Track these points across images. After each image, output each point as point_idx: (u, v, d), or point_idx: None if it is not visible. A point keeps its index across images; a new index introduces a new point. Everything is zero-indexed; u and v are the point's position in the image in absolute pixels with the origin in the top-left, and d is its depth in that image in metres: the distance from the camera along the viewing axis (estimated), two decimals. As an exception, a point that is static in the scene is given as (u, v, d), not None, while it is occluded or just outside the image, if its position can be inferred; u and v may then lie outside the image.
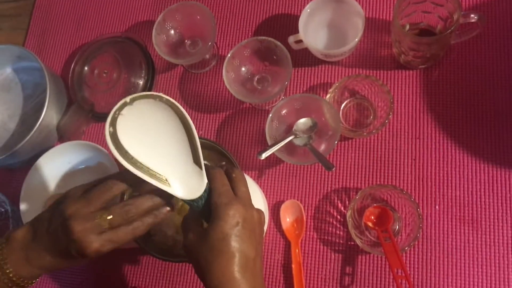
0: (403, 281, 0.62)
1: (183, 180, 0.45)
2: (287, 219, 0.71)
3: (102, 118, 0.83)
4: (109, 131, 0.42)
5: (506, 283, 0.62)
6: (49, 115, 0.79)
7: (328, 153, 0.68)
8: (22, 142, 0.75)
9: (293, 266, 0.68)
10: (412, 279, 0.64)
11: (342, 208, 0.70)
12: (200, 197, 0.46)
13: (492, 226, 0.64)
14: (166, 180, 0.44)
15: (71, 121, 0.81)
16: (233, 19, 0.84)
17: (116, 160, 0.45)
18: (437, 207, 0.67)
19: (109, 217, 0.45)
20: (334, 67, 0.76)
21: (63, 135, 0.83)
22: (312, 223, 0.70)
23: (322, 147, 0.70)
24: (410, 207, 0.64)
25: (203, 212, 0.47)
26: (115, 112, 0.42)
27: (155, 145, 0.45)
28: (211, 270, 0.43)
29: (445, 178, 0.67)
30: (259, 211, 0.48)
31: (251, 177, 0.73)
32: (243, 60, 0.74)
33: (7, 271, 0.46)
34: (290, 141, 0.69)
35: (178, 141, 0.45)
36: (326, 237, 0.69)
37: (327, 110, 0.69)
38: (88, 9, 0.92)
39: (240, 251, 0.44)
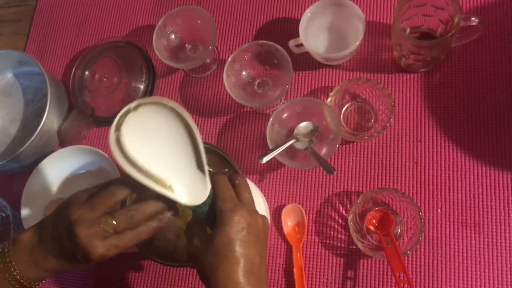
0: (406, 285, 0.62)
1: (187, 186, 0.45)
2: (288, 223, 0.71)
3: (103, 122, 0.83)
4: (114, 137, 0.42)
5: (510, 287, 0.62)
6: (50, 120, 0.79)
7: (329, 156, 0.68)
8: (23, 147, 0.75)
9: (294, 270, 0.68)
10: (414, 283, 0.64)
11: (344, 212, 0.70)
12: (204, 203, 0.46)
13: (494, 230, 0.64)
14: (170, 186, 0.44)
15: (72, 126, 0.81)
16: (233, 23, 0.84)
17: (119, 166, 0.45)
18: (439, 210, 0.66)
19: (113, 222, 0.45)
20: (335, 70, 0.76)
21: (64, 140, 0.83)
22: (313, 227, 0.70)
23: (323, 151, 0.70)
24: (412, 210, 0.64)
25: (207, 218, 0.47)
26: (119, 118, 0.42)
27: (159, 151, 0.45)
28: (216, 276, 0.43)
29: (447, 181, 0.67)
30: (263, 217, 0.48)
31: (252, 181, 0.73)
32: (244, 64, 0.74)
33: (14, 273, 0.47)
34: (291, 145, 0.69)
35: (182, 147, 0.45)
36: (327, 241, 0.69)
37: (328, 114, 0.69)
38: (89, 14, 0.92)
39: (245, 256, 0.44)
